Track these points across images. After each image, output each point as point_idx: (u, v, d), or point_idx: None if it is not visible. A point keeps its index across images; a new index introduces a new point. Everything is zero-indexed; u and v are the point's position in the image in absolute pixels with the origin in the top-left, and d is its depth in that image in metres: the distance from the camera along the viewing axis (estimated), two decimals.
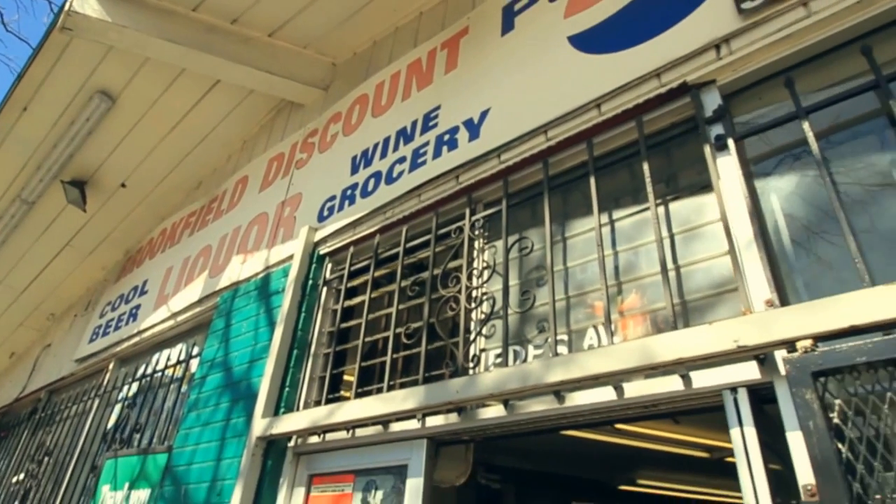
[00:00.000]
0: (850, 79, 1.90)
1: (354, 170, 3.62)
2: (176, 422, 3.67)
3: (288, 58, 4.57)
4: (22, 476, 5.28)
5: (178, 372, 4.01)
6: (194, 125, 5.19)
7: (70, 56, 4.35)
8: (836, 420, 1.34)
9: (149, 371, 4.29)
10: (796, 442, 1.43)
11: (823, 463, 1.29)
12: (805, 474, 1.39)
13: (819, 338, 1.43)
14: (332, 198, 3.61)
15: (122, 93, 4.75)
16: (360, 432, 2.54)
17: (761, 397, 1.64)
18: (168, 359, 4.19)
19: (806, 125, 1.84)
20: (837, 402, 1.37)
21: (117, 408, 4.44)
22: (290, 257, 3.52)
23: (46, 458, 5.00)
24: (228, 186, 5.04)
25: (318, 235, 3.48)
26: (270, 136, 4.98)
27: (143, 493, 3.38)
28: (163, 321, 4.52)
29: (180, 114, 5.06)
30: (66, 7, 3.38)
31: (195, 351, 4.02)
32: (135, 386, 4.35)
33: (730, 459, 4.72)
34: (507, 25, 3.26)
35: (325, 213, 3.58)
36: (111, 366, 5.00)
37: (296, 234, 3.63)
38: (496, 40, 3.26)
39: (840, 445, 1.31)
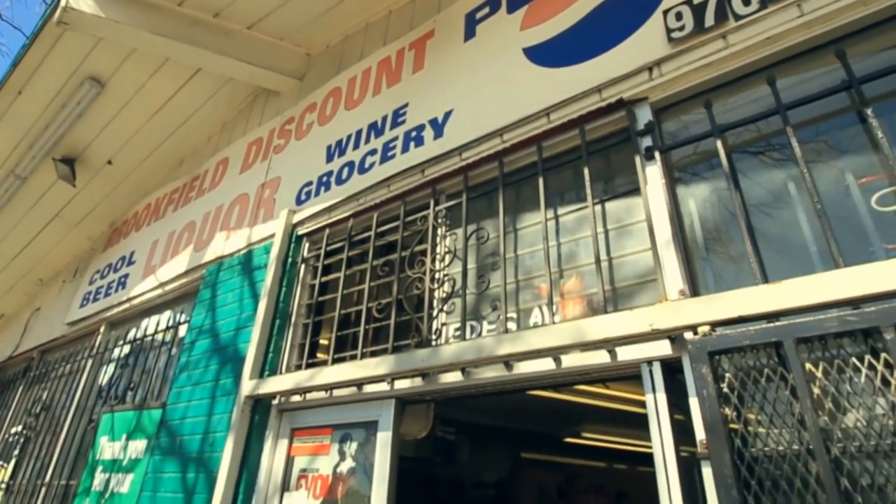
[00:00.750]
0: (760, 99, 2.07)
1: (329, 158, 3.67)
2: (167, 381, 3.73)
3: (265, 49, 4.54)
4: (20, 428, 5.24)
5: (168, 336, 4.04)
6: (177, 109, 5.14)
7: (63, 45, 4.29)
8: (724, 389, 1.55)
9: (139, 335, 4.31)
10: (695, 405, 1.63)
11: (712, 423, 1.50)
12: (700, 431, 1.59)
13: (716, 324, 1.63)
14: (309, 183, 3.66)
15: (111, 79, 4.69)
16: (336, 393, 2.68)
17: (673, 368, 1.83)
18: (157, 324, 4.21)
19: (718, 143, 2.01)
20: (727, 375, 1.57)
21: (110, 367, 4.44)
22: (272, 236, 3.57)
23: (43, 413, 4.98)
24: (210, 166, 5.00)
25: (297, 218, 3.54)
26: (249, 121, 4.95)
27: (140, 444, 3.45)
28: (151, 290, 4.52)
29: (164, 98, 5.02)
30: (63, 3, 3.28)
31: (183, 318, 4.05)
32: (126, 348, 4.35)
33: None
34: (470, 32, 3.32)
35: (303, 197, 3.64)
36: (102, 329, 4.98)
37: (276, 215, 3.68)
38: (459, 46, 3.31)
39: (727, 409, 1.52)
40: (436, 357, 2.28)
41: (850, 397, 1.41)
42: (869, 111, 1.76)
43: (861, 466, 1.35)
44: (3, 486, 4.89)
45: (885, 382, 1.37)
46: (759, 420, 1.50)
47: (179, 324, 3.98)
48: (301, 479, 2.64)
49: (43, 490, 4.24)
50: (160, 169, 5.73)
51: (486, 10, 3.30)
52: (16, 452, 5.06)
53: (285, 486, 2.68)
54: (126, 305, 4.72)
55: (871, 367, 1.40)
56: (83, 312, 5.27)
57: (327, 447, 2.63)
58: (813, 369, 1.46)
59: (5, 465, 5.12)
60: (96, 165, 5.54)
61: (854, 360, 1.42)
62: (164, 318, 4.26)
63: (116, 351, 4.43)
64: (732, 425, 1.51)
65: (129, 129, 5.25)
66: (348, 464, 2.50)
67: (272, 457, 2.79)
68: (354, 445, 2.53)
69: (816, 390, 1.44)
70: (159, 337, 4.09)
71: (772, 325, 1.54)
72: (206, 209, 4.54)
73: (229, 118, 5.27)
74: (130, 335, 4.43)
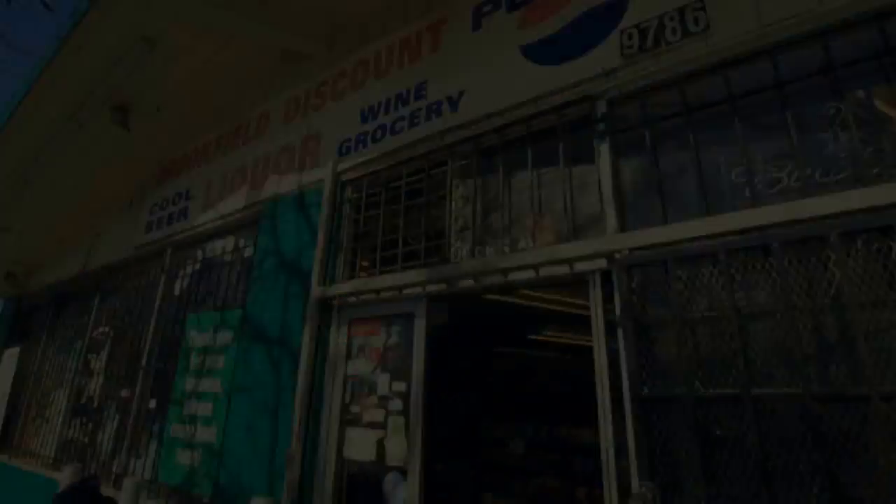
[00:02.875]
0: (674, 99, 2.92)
1: (364, 120, 4.44)
2: (240, 291, 4.64)
3: (297, 17, 5.13)
4: (106, 328, 6.16)
5: (234, 256, 4.90)
6: (217, 66, 5.71)
7: (119, 9, 4.79)
8: (634, 286, 2.56)
9: (208, 255, 5.16)
10: (616, 296, 2.64)
11: (625, 305, 2.52)
12: (618, 309, 2.60)
13: (633, 249, 2.62)
14: (349, 139, 4.45)
15: (160, 40, 5.20)
16: (383, 294, 3.65)
17: (607, 276, 2.81)
18: (224, 247, 5.07)
19: (647, 131, 2.91)
20: (636, 278, 2.57)
21: (185, 281, 5.32)
22: (321, 180, 4.40)
23: (127, 316, 5.89)
24: (252, 118, 5.69)
25: (340, 167, 4.36)
26: (283, 80, 5.58)
27: (227, 335, 4.42)
28: (213, 220, 5.35)
29: (206, 57, 5.57)
30: None
31: (244, 242, 4.90)
32: (198, 265, 5.22)
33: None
34: (476, 24, 4.00)
35: (344, 150, 4.44)
36: (169, 251, 5.81)
37: (323, 164, 4.50)
38: (468, 35, 4.01)
39: (634, 297, 2.53)
40: (457, 269, 3.26)
41: (699, 290, 2.43)
42: (736, 119, 2.66)
43: (701, 323, 2.38)
44: (102, 372, 5.88)
45: (716, 281, 2.38)
46: (650, 302, 2.52)
47: (244, 246, 4.85)
48: (360, 351, 3.68)
49: (141, 372, 5.24)
50: (202, 117, 6.37)
51: (490, 6, 4.00)
52: (106, 346, 6.01)
53: (349, 356, 3.73)
54: (190, 232, 5.56)
55: (712, 274, 2.41)
56: (149, 238, 6.11)
57: (378, 330, 3.64)
58: (681, 274, 2.47)
59: (98, 356, 6.09)
60: (147, 112, 6.15)
61: (703, 269, 2.43)
62: (229, 242, 5.11)
63: (189, 268, 5.31)
64: (636, 305, 2.53)
65: (175, 83, 5.85)
66: (394, 340, 3.52)
67: (337, 337, 3.81)
68: (397, 328, 3.54)
69: (681, 286, 2.45)
70: (227, 257, 4.96)
71: (664, 249, 2.54)
72: (255, 155, 5.31)
73: (263, 76, 5.90)
74: (199, 255, 5.29)
